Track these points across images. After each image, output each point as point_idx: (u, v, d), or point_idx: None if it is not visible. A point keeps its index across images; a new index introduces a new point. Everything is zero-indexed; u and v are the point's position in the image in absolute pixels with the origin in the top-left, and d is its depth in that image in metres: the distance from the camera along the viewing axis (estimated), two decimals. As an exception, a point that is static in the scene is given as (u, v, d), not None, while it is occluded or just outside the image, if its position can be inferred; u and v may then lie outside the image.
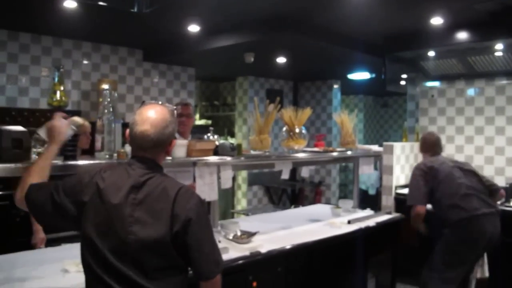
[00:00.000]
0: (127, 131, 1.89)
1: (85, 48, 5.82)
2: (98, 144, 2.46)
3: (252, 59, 5.82)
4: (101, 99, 2.72)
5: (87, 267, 1.76)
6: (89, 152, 2.83)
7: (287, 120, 3.79)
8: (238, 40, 5.12)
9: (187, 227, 1.72)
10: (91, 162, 2.32)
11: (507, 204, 4.58)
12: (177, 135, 3.69)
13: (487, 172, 5.38)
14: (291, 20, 4.66)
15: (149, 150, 1.85)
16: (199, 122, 8.14)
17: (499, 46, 5.01)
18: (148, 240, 1.70)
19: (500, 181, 5.22)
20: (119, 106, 4.81)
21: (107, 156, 2.43)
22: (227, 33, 5.15)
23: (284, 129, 3.86)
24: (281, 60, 6.36)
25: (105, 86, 5.71)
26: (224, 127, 8.73)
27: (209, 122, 8.34)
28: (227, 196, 7.74)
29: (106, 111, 2.48)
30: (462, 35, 4.88)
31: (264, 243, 2.92)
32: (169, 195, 1.76)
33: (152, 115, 1.83)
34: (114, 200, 1.74)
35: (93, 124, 2.65)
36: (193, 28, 4.93)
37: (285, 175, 3.66)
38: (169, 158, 2.73)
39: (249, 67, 6.62)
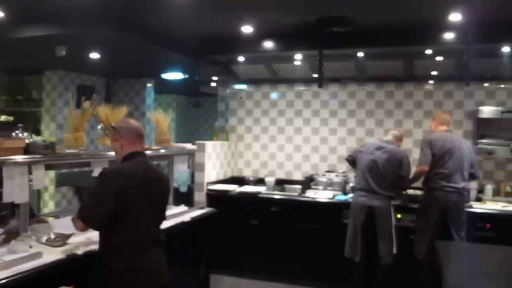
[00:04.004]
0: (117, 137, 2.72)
1: None
2: None
3: (64, 53, 5.51)
4: None
5: None
6: None
7: (103, 118, 3.73)
8: (50, 32, 4.82)
9: None
10: None
11: (303, 195, 5.22)
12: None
13: (288, 167, 6.04)
14: (107, 15, 4.57)
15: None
16: (-1, 118, 7.34)
17: (298, 56, 5.70)
18: None
19: (297, 175, 5.92)
20: None
21: None
22: (37, 22, 4.79)
23: (100, 126, 3.80)
24: (95, 55, 6.15)
25: None
26: (29, 124, 8.03)
27: (11, 118, 7.58)
28: (32, 198, 7.14)
29: None
30: (269, 44, 5.42)
31: (80, 245, 2.85)
32: None
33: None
34: None
35: None
36: (-4, 14, 4.49)
37: (97, 174, 3.59)
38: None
39: (59, 60, 6.24)
